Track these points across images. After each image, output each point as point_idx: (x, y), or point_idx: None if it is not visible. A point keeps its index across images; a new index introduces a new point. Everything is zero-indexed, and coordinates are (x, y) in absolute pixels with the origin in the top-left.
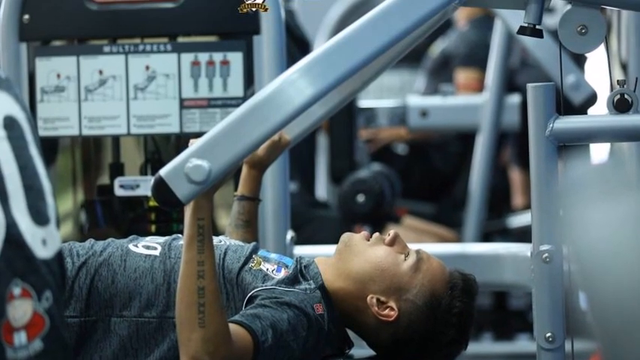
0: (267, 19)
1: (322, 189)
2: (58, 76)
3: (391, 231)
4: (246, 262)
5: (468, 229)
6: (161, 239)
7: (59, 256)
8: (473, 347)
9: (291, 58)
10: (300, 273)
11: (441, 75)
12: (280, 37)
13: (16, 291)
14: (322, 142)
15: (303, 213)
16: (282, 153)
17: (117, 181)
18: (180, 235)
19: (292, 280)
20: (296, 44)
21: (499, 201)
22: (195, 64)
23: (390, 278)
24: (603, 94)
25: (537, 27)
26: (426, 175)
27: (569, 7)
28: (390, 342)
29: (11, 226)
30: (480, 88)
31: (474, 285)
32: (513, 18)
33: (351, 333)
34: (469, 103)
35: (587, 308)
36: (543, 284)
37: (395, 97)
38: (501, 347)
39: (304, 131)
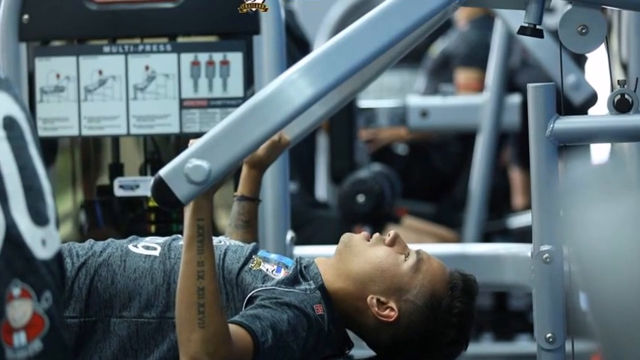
0: (267, 19)
1: (322, 189)
2: (58, 76)
3: (391, 231)
4: (245, 263)
5: (468, 229)
6: (161, 240)
7: (59, 256)
8: (473, 348)
9: (291, 58)
10: (300, 273)
11: (441, 75)
12: (280, 37)
13: (16, 291)
14: (322, 142)
15: (303, 213)
16: (282, 153)
17: (116, 182)
18: (179, 236)
19: (292, 280)
20: (296, 44)
21: (499, 201)
22: (195, 64)
23: (390, 279)
24: (604, 95)
25: (538, 27)
26: (426, 176)
27: (569, 7)
28: (390, 342)
29: (11, 226)
30: (480, 88)
31: (475, 285)
32: (514, 18)
33: (351, 333)
34: (469, 103)
35: (587, 309)
36: (544, 285)
37: (395, 97)
38: (502, 348)
39: (304, 131)
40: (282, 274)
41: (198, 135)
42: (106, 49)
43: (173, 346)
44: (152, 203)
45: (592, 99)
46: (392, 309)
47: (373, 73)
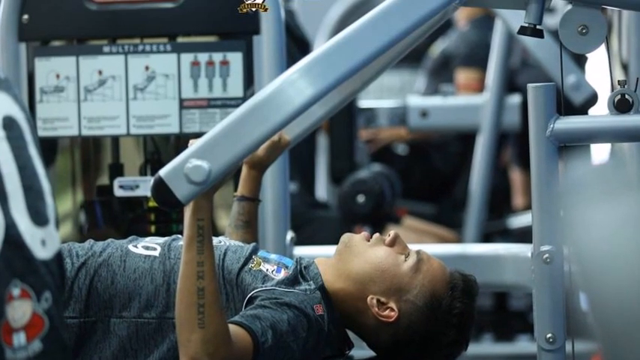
0: (267, 19)
1: (322, 189)
2: (58, 76)
3: (391, 231)
4: (245, 263)
5: (469, 229)
6: (161, 240)
7: (58, 256)
8: (473, 348)
9: (291, 58)
10: (300, 274)
11: (441, 75)
12: (280, 37)
13: (16, 292)
14: (322, 143)
15: (303, 213)
16: (282, 153)
17: (116, 182)
18: (179, 236)
19: (292, 280)
20: (296, 44)
21: (499, 201)
22: (195, 64)
23: (390, 279)
24: (604, 95)
25: (538, 27)
26: (426, 176)
27: (569, 7)
28: (390, 343)
29: (10, 226)
30: (480, 88)
31: (475, 286)
32: (514, 18)
33: (351, 334)
34: (469, 103)
35: (587, 309)
36: (544, 285)
37: (395, 97)
38: (502, 348)
39: (304, 131)
40: (282, 275)
41: (198, 135)
42: (106, 49)
43: (173, 346)
44: (152, 203)
45: (592, 99)
46: (392, 309)
47: (373, 73)
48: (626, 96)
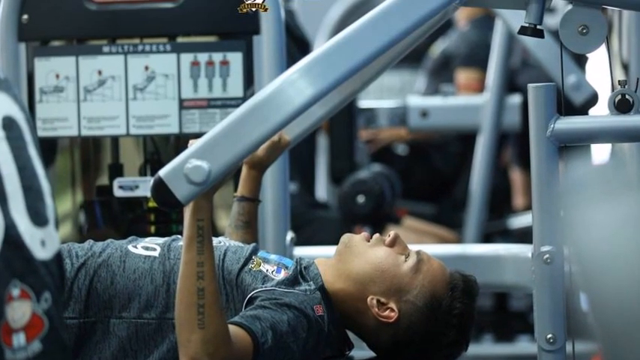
0: (267, 19)
1: (322, 190)
2: (57, 76)
3: (391, 232)
4: (245, 263)
5: (469, 229)
6: (160, 240)
7: (58, 257)
8: (473, 348)
9: (291, 58)
10: (300, 274)
11: (441, 75)
12: (280, 37)
13: (15, 292)
14: (322, 143)
15: (303, 214)
16: (282, 153)
17: (116, 182)
18: (179, 236)
19: (292, 281)
20: (296, 44)
21: (500, 202)
22: (195, 64)
23: (390, 279)
24: (604, 95)
25: (538, 27)
26: (427, 176)
27: (570, 7)
28: (390, 343)
29: (10, 227)
30: (480, 88)
31: (475, 286)
32: (514, 18)
33: (351, 334)
34: (470, 103)
35: (588, 309)
36: (544, 285)
37: (395, 97)
38: (502, 348)
39: (304, 132)
40: (282, 275)
41: (198, 135)
42: (106, 49)
43: (173, 346)
44: (152, 204)
45: (593, 99)
46: (392, 310)
47: (373, 74)
48: (627, 96)
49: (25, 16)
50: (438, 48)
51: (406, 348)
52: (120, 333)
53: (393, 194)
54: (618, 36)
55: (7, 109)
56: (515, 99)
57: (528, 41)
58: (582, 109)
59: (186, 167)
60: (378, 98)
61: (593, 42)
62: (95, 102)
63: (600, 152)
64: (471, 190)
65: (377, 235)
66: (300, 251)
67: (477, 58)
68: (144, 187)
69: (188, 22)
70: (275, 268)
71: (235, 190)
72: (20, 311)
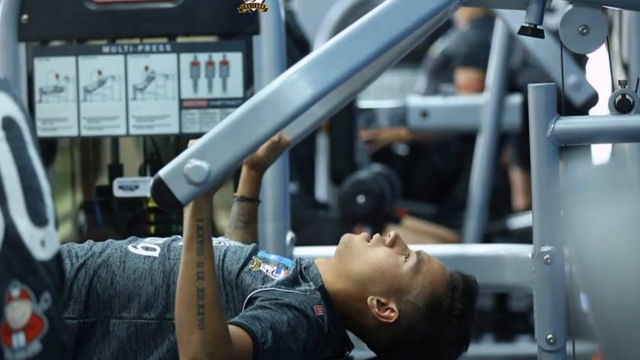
0: (267, 19)
1: (322, 190)
2: (57, 76)
3: (391, 232)
4: (245, 264)
5: (469, 230)
6: (160, 240)
7: (58, 257)
8: (473, 349)
9: (291, 58)
10: (300, 274)
11: (441, 75)
12: (280, 37)
13: (15, 292)
14: (322, 143)
15: (303, 214)
16: (282, 154)
17: (116, 182)
18: (179, 237)
19: (292, 281)
20: (296, 44)
21: (500, 202)
22: (195, 64)
23: (390, 280)
24: (604, 95)
25: (538, 27)
26: (427, 176)
27: (570, 7)
28: (390, 343)
29: (10, 227)
30: (480, 88)
31: (475, 286)
32: (514, 18)
33: (351, 334)
34: (470, 103)
35: (588, 309)
36: (544, 285)
37: (395, 97)
38: (502, 349)
39: (304, 132)
40: (282, 275)
41: (197, 135)
42: (106, 49)
43: (173, 347)
44: (151, 204)
45: (593, 99)
46: (392, 310)
47: (373, 74)
48: (627, 96)
49: (25, 16)
50: (438, 48)
51: (406, 348)
52: (120, 333)
53: (393, 194)
54: (618, 36)
55: (7, 109)
56: (516, 99)
57: (528, 41)
58: (582, 109)
59: (186, 167)
60: (378, 98)
61: (593, 42)
62: (95, 102)
63: (600, 152)
64: (471, 190)
65: (377, 235)
66: (300, 251)
67: (477, 58)
68: (144, 188)
69: (188, 22)
70: (275, 268)
71: (235, 190)
72: (20, 311)
